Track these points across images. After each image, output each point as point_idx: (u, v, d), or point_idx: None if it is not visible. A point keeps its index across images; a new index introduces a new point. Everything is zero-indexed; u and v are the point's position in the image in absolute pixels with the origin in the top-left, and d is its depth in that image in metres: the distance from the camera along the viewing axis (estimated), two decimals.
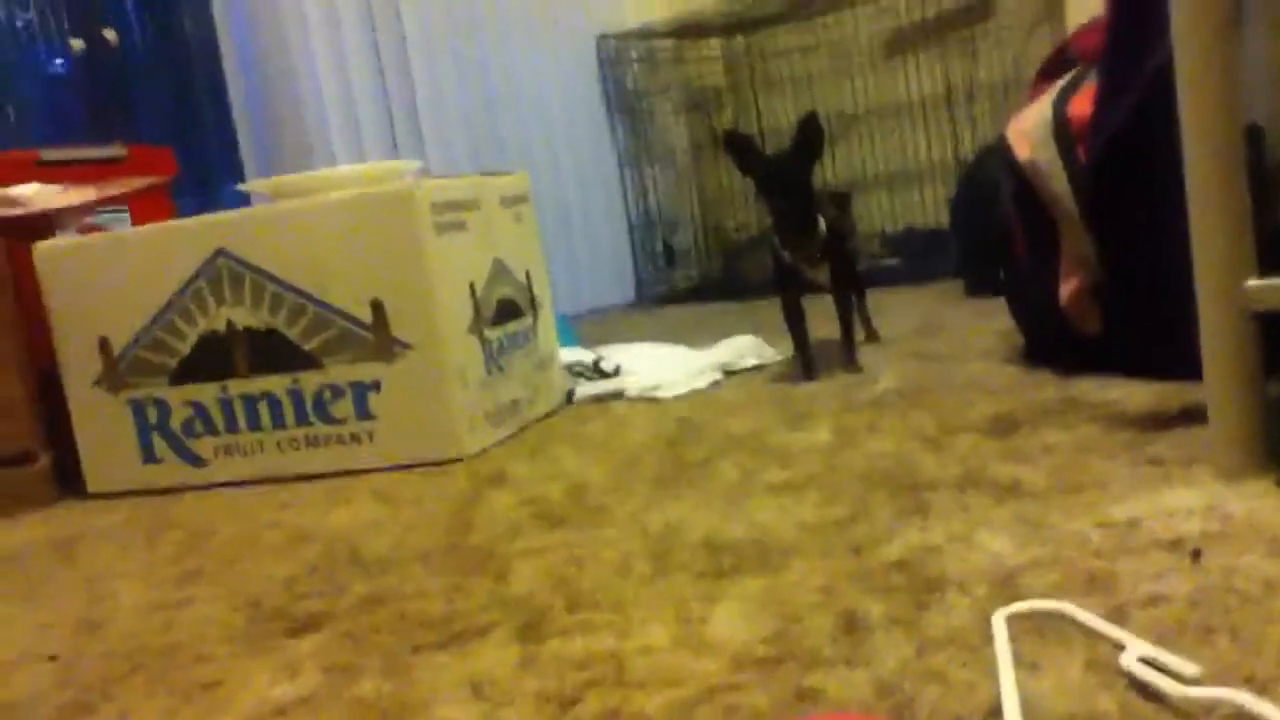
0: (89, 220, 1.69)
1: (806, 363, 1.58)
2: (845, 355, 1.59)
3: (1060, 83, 1.32)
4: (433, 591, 0.88)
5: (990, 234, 1.58)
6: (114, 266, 1.49)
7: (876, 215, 3.00)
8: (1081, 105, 1.24)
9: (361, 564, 0.99)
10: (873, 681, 0.60)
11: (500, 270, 1.54)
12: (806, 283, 1.61)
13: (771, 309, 1.67)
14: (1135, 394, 1.15)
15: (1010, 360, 1.45)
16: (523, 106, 3.04)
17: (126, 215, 1.77)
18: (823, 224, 1.56)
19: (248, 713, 0.70)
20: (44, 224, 1.62)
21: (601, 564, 0.88)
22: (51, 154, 1.77)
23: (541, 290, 1.68)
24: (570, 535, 0.98)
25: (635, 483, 1.13)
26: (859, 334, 1.70)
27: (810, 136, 1.51)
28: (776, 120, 3.14)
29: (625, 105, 3.27)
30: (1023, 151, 1.31)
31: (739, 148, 1.55)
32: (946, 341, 1.71)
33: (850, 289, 1.68)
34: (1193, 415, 0.98)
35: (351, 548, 1.05)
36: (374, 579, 0.94)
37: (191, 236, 1.45)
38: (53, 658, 0.86)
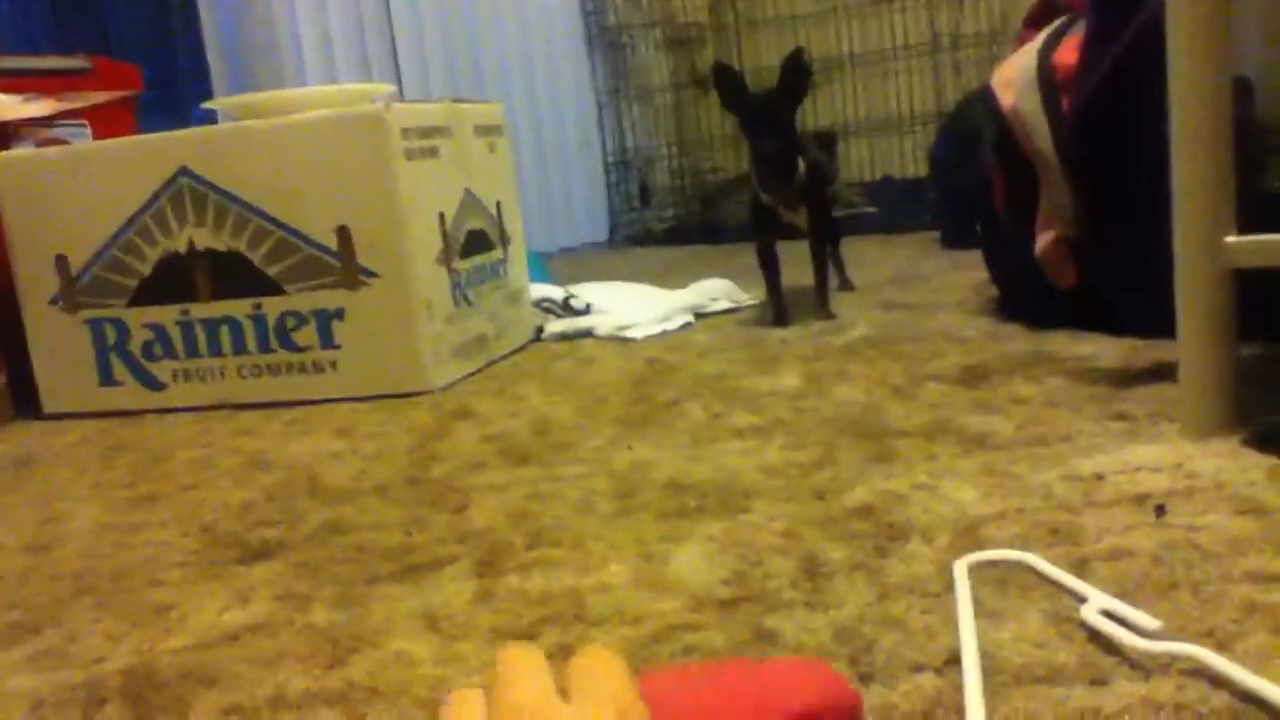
0: (48, 133, 1.65)
1: (778, 308, 1.57)
2: (819, 302, 1.58)
3: (1047, 31, 1.30)
4: (391, 523, 0.87)
5: (969, 184, 1.57)
6: (73, 182, 1.45)
7: (855, 163, 2.98)
8: (1067, 54, 1.23)
9: (320, 494, 0.98)
10: (832, 626, 0.59)
11: (471, 201, 1.51)
12: (783, 227, 1.59)
13: (747, 253, 1.65)
14: (1107, 349, 1.15)
15: (983, 312, 1.45)
16: (501, 36, 2.98)
17: (88, 130, 1.72)
18: (803, 167, 1.53)
19: (198, 637, 0.68)
20: (0, 135, 1.57)
21: (564, 501, 0.87)
22: (11, 62, 1.71)
23: (513, 224, 1.65)
24: (533, 472, 0.96)
25: (601, 422, 1.11)
26: (832, 281, 1.68)
27: (795, 76, 1.49)
28: (759, 60, 3.09)
29: (606, 39, 3.22)
30: (1006, 100, 1.29)
31: (727, 82, 1.51)
32: (920, 291, 1.70)
33: (826, 235, 1.67)
34: (1163, 372, 0.97)
35: (310, 477, 1.03)
36: (331, 509, 0.92)
37: (153, 153, 1.41)
38: None
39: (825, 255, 1.63)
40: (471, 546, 0.79)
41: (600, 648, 0.37)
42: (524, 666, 0.36)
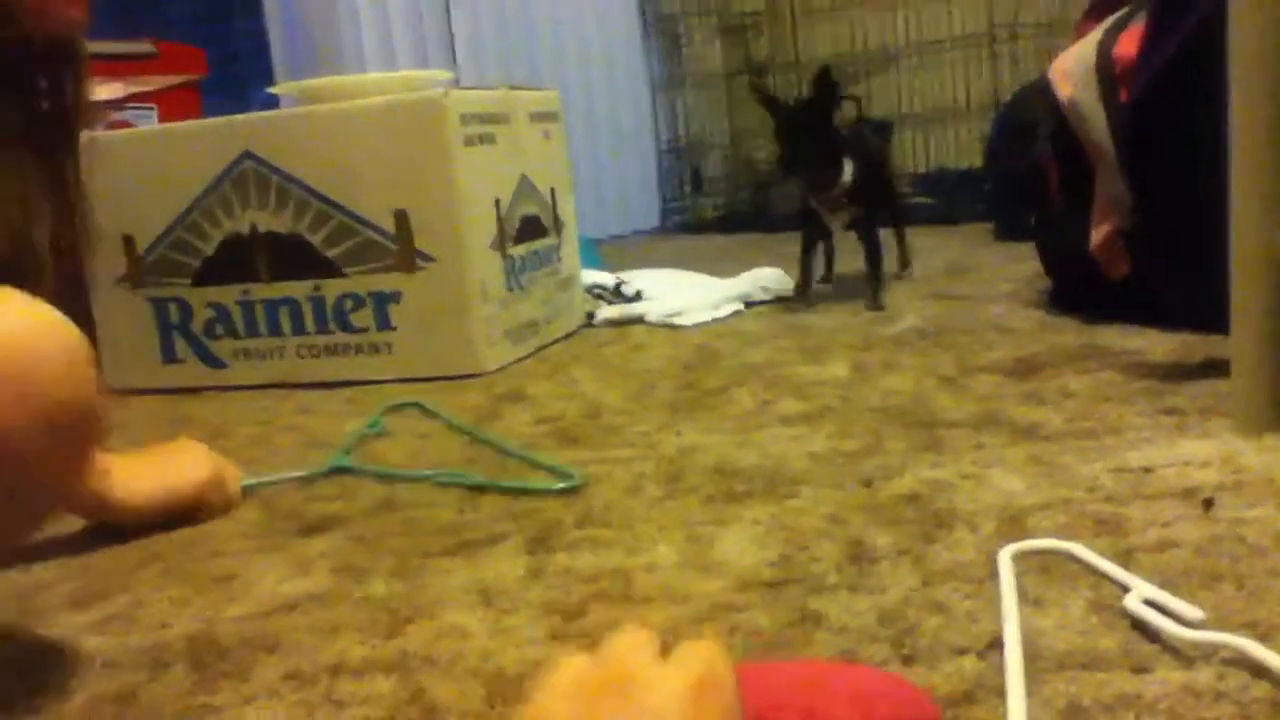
0: (116, 116, 1.69)
1: (801, 290, 1.65)
2: (871, 293, 1.59)
3: (1106, 23, 1.29)
4: (445, 501, 0.89)
5: (1025, 176, 1.56)
6: (140, 164, 1.49)
7: (910, 154, 2.96)
8: (1127, 46, 1.22)
9: (379, 474, 1.00)
10: (876, 609, 0.60)
11: (526, 187, 1.53)
12: (825, 228, 1.66)
13: (797, 242, 1.65)
14: (1159, 343, 1.14)
15: (1035, 304, 1.44)
16: (557, 23, 3.00)
17: (154, 113, 1.77)
18: (848, 171, 1.55)
19: (259, 606, 0.71)
20: None
21: (613, 483, 0.89)
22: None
23: (566, 210, 1.67)
24: (584, 454, 0.98)
25: (651, 407, 1.13)
26: (894, 265, 1.74)
27: (824, 91, 1.54)
28: (815, 50, 3.08)
29: (661, 26, 3.22)
30: (1064, 91, 1.28)
31: (762, 98, 1.61)
32: (972, 283, 1.70)
33: (882, 225, 1.71)
34: (1215, 367, 0.97)
35: (368, 453, 1.06)
36: (387, 486, 0.95)
37: (218, 136, 1.45)
38: (69, 548, 0.88)
39: (877, 249, 1.64)
40: (523, 524, 0.81)
41: (704, 639, 0.39)
42: (630, 637, 0.38)
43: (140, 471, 0.89)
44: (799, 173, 1.60)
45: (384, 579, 0.73)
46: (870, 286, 1.60)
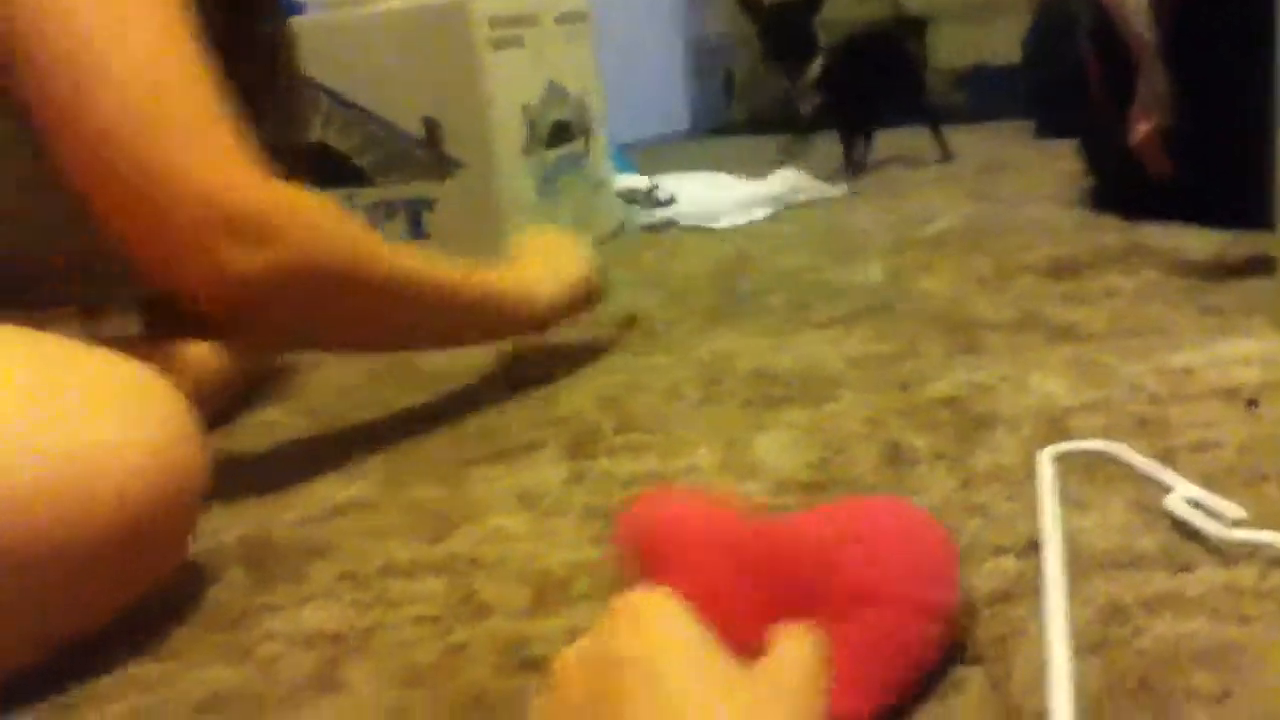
0: None
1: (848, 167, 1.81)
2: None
3: None
4: (485, 408, 0.90)
5: (1065, 72, 1.52)
6: None
7: (946, 50, 2.89)
8: None
9: (417, 378, 1.01)
10: None
11: (554, 91, 1.51)
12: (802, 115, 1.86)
13: (829, 143, 1.63)
14: (1201, 241, 1.13)
15: (1076, 204, 1.42)
16: None
17: None
18: (815, 68, 1.76)
19: (309, 511, 0.73)
20: None
21: (651, 389, 0.89)
22: None
23: (596, 114, 1.65)
24: (618, 360, 0.99)
25: (686, 312, 1.13)
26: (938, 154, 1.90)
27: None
28: None
29: None
30: None
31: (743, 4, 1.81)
32: (1011, 182, 1.67)
33: (919, 118, 1.88)
34: (1259, 265, 0.95)
35: (407, 361, 1.07)
36: (428, 393, 0.96)
37: None
38: None
39: (847, 143, 1.84)
40: (561, 431, 0.82)
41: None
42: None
43: (543, 277, 0.90)
44: (773, 67, 1.82)
45: (428, 485, 0.75)
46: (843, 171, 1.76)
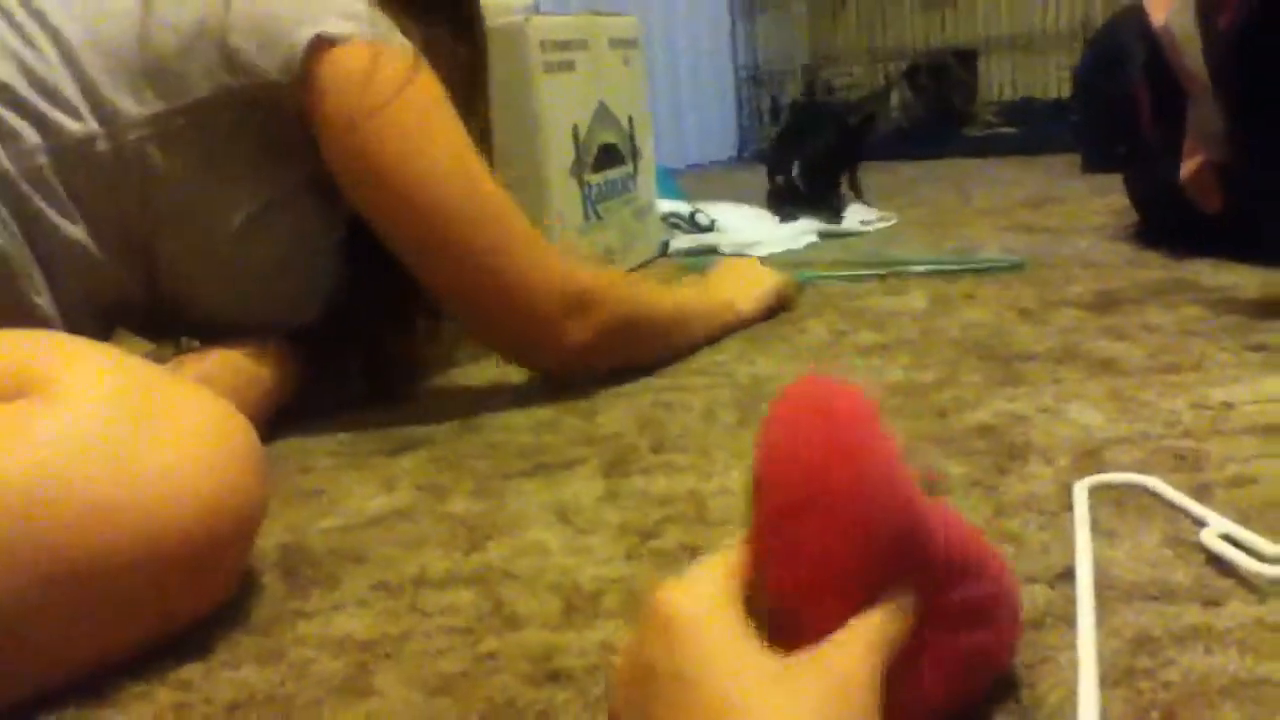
0: None
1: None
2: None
3: None
4: (524, 425, 0.91)
5: (1115, 106, 1.52)
6: None
7: (995, 81, 2.89)
8: None
9: (458, 394, 1.02)
10: None
11: (604, 114, 1.53)
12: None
13: (878, 171, 1.64)
14: (1249, 278, 1.12)
15: (1121, 238, 1.41)
16: None
17: None
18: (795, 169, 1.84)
19: (346, 520, 0.74)
20: None
21: (688, 410, 0.90)
22: None
23: (644, 138, 1.66)
24: (659, 381, 0.99)
25: (726, 337, 1.13)
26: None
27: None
28: None
29: None
30: (1158, 18, 1.24)
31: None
32: (1056, 215, 1.67)
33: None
34: None
35: (449, 378, 1.08)
36: (469, 407, 0.97)
37: None
38: None
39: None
40: (600, 449, 0.83)
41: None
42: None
43: (739, 289, 1.16)
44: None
45: (465, 498, 0.76)
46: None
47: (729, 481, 0.73)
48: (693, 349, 1.07)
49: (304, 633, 0.58)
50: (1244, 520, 0.57)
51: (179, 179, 0.85)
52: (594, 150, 1.50)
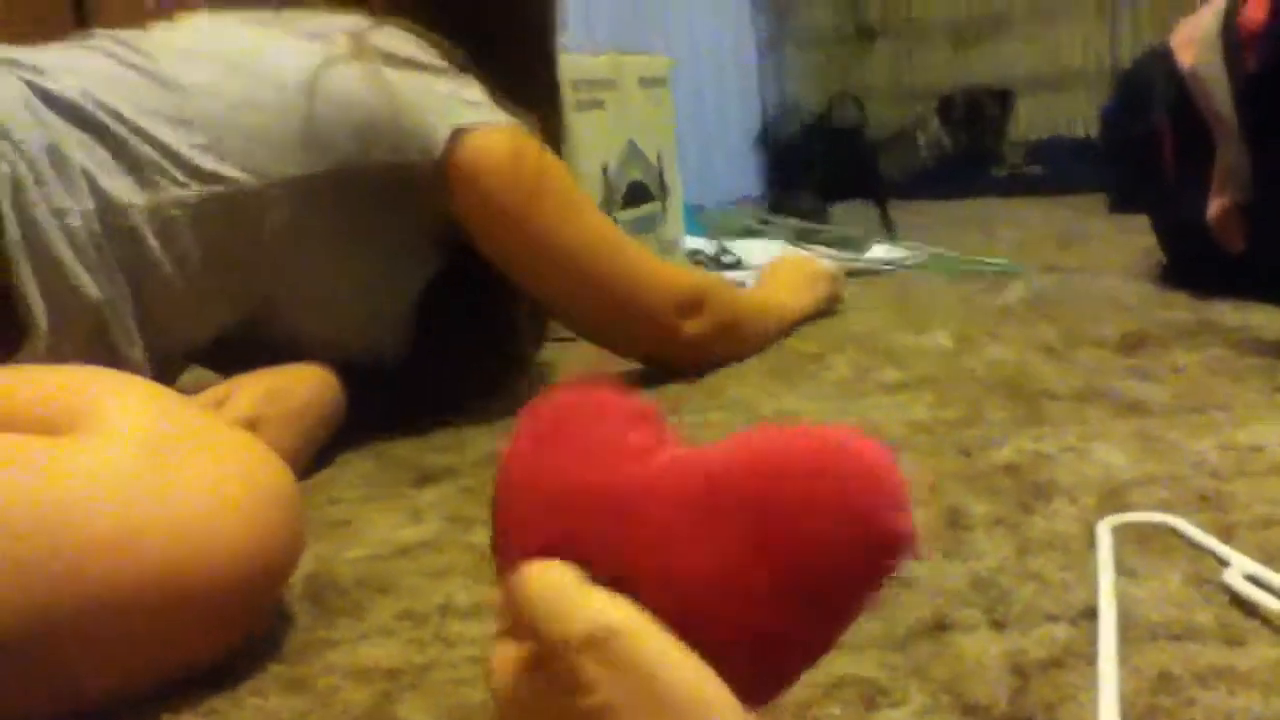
0: None
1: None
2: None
3: None
4: None
5: (1141, 146, 1.52)
6: None
7: (1022, 121, 2.90)
8: (1255, 10, 1.18)
9: (486, 423, 1.03)
10: (969, 575, 0.61)
11: (633, 152, 1.55)
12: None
13: (906, 211, 1.64)
14: (1274, 320, 1.11)
15: (1147, 278, 1.41)
16: None
17: None
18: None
19: (373, 550, 0.75)
20: None
21: (708, 436, 0.90)
22: None
23: (672, 176, 1.68)
24: (683, 416, 1.00)
25: (749, 371, 1.14)
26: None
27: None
28: (927, 10, 3.02)
29: None
30: (1185, 60, 1.25)
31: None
32: (1082, 255, 1.67)
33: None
34: None
35: (479, 408, 1.09)
36: (496, 438, 0.98)
37: None
38: None
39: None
40: None
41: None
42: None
43: (795, 286, 1.32)
44: None
45: (491, 529, 0.76)
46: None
47: None
48: (769, 345, 1.21)
49: (330, 662, 0.59)
50: (1268, 561, 0.57)
51: (314, 235, 0.95)
52: (623, 188, 1.52)
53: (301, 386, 0.93)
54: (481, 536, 0.75)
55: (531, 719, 0.37)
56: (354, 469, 0.94)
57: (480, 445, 0.97)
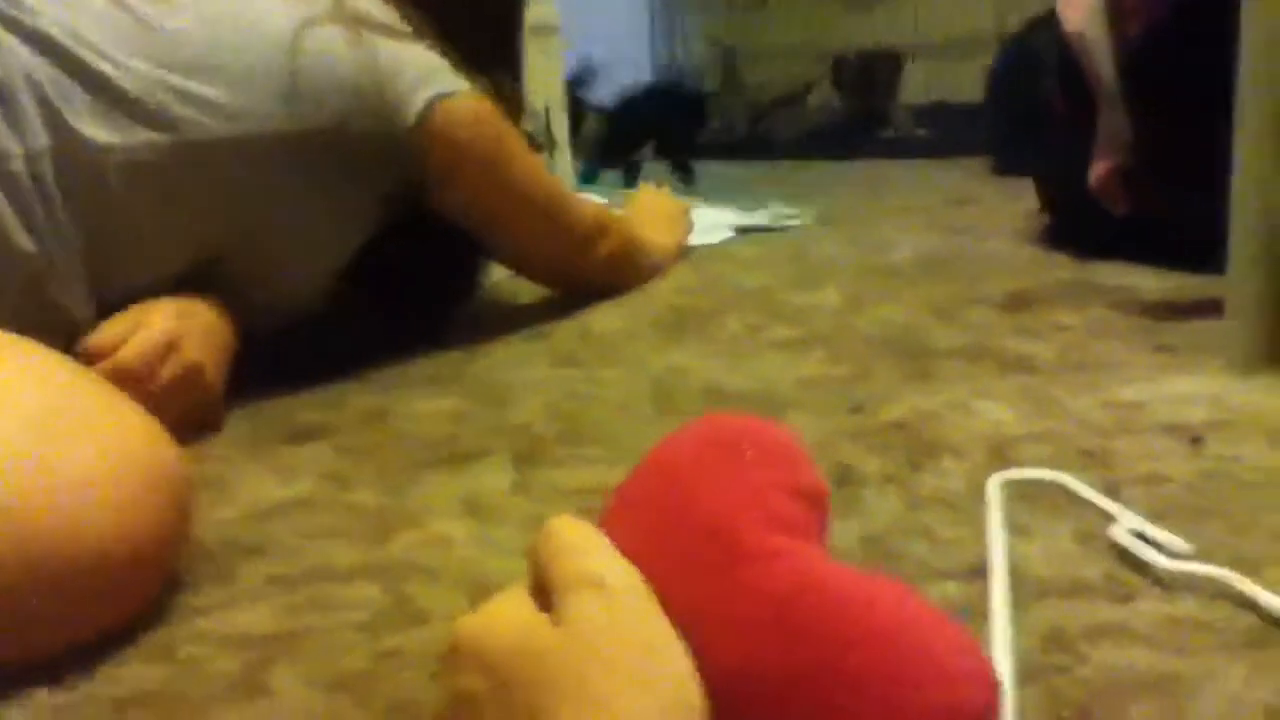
0: None
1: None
2: None
3: None
4: (432, 414, 0.89)
5: (1027, 109, 1.54)
6: None
7: (912, 85, 2.92)
8: None
9: (366, 381, 0.99)
10: (861, 533, 0.61)
11: (532, 125, 1.51)
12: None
13: (797, 169, 1.64)
14: (1155, 280, 1.14)
15: (1032, 239, 1.43)
16: None
17: None
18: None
19: (244, 510, 0.71)
20: None
21: (603, 402, 0.88)
22: None
23: (559, 128, 1.64)
24: (573, 372, 0.98)
25: (642, 327, 1.12)
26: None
27: None
28: None
29: None
30: (1072, 23, 1.26)
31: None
32: (969, 217, 1.69)
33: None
34: (1210, 307, 0.96)
35: (358, 365, 1.05)
36: (376, 397, 0.94)
37: None
38: None
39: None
40: (511, 440, 0.81)
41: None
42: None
43: (656, 227, 1.38)
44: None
45: (370, 488, 0.73)
46: None
47: None
48: (650, 278, 1.30)
49: (197, 629, 0.56)
50: (1155, 519, 0.58)
51: (279, 191, 0.94)
52: None
53: (203, 305, 0.91)
54: (363, 495, 0.72)
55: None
56: (228, 426, 0.90)
57: (358, 403, 0.93)
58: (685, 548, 0.38)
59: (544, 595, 0.37)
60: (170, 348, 0.84)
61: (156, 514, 0.56)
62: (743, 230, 1.69)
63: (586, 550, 0.38)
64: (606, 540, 0.39)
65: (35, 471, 0.52)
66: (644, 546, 0.38)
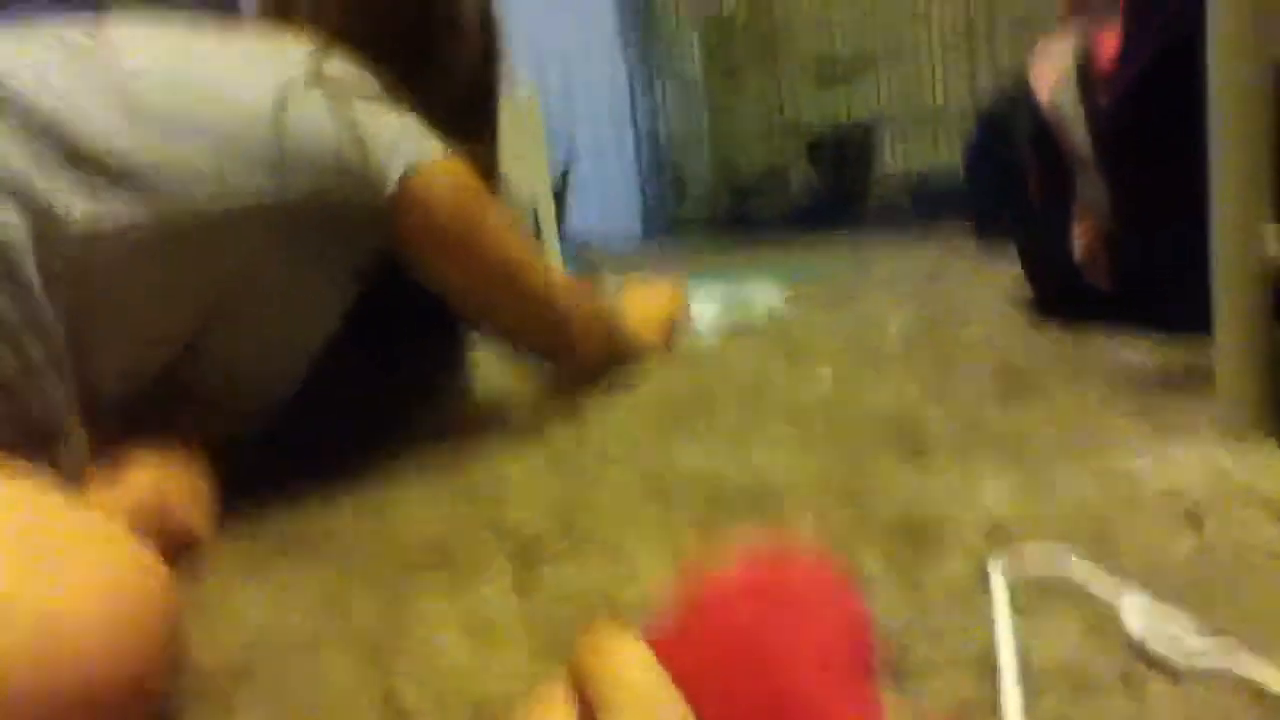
0: None
1: None
2: None
3: (1086, 20, 1.29)
4: (430, 517, 0.88)
5: (1006, 180, 1.56)
6: None
7: (889, 157, 2.97)
8: (1110, 43, 1.21)
9: (357, 490, 0.98)
10: None
11: (503, 186, 1.51)
12: None
13: (774, 249, 1.65)
14: (1143, 350, 1.14)
15: (1017, 311, 1.43)
16: (535, 19, 2.97)
17: None
18: None
19: (240, 633, 0.70)
20: None
21: (600, 503, 0.88)
22: None
23: (545, 214, 1.66)
24: (571, 469, 0.97)
25: (637, 422, 1.11)
26: None
27: None
28: (798, 49, 3.06)
29: (640, 20, 3.21)
30: (1043, 94, 1.28)
31: None
32: (953, 289, 1.69)
33: None
34: (1201, 374, 0.96)
35: (349, 461, 1.03)
36: (376, 495, 0.93)
37: None
38: None
39: None
40: (508, 542, 0.80)
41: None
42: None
43: (646, 323, 1.34)
44: None
45: (367, 602, 0.72)
46: None
47: (645, 580, 0.71)
48: (619, 365, 1.26)
49: None
50: (1158, 598, 0.57)
51: (261, 265, 0.92)
52: None
53: (181, 459, 0.88)
54: (358, 614, 0.70)
55: None
56: (217, 535, 0.88)
57: (351, 504, 0.92)
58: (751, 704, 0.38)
59: (585, 707, 0.37)
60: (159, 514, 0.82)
61: (145, 645, 0.54)
62: (732, 319, 1.69)
63: (645, 685, 0.37)
64: (657, 665, 0.38)
65: (15, 602, 0.50)
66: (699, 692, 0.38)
